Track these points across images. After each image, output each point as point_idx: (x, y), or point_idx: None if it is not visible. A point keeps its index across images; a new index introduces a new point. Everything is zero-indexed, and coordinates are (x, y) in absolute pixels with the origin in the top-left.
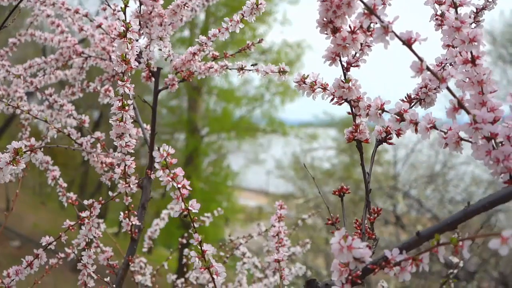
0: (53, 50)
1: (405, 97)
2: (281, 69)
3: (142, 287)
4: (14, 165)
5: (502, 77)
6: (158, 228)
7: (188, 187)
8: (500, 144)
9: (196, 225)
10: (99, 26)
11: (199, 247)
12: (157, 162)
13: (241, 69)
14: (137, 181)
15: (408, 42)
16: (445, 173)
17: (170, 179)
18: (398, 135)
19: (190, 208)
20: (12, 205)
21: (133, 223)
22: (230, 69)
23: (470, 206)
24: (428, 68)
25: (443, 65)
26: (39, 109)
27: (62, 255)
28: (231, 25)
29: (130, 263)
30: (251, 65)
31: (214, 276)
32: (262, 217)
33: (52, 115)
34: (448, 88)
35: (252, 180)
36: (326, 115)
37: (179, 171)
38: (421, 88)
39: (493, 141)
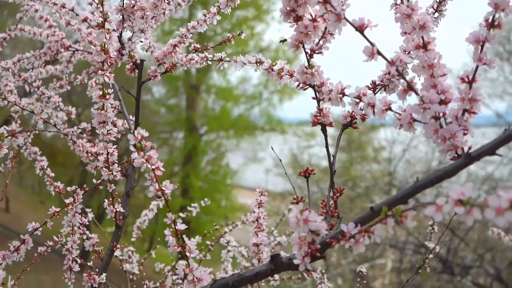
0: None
1: (370, 84)
2: (258, 60)
3: (129, 274)
4: None
5: (499, 74)
6: (147, 218)
7: (162, 169)
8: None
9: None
10: (85, 20)
11: (173, 226)
12: (132, 145)
13: (220, 60)
14: (120, 169)
15: (360, 28)
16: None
17: (145, 161)
18: (363, 119)
19: (163, 188)
20: (1, 196)
21: (117, 210)
22: (210, 60)
23: (419, 181)
24: (378, 52)
25: (406, 52)
26: (29, 102)
27: (50, 243)
28: (208, 17)
29: (114, 249)
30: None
31: (187, 254)
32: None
33: (41, 108)
34: (398, 71)
35: (250, 179)
36: None
37: (153, 154)
38: (385, 74)
39: (443, 120)
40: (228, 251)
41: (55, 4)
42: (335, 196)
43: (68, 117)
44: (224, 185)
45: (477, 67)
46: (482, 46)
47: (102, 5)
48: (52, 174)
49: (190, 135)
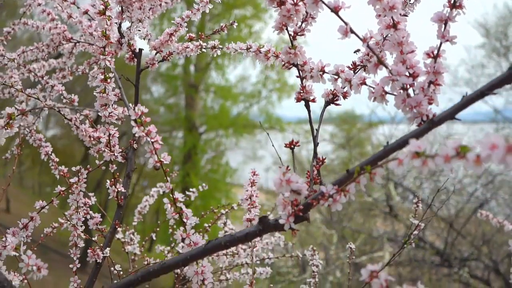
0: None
1: (351, 64)
2: (248, 46)
3: (131, 255)
4: (8, 128)
5: (496, 70)
6: (148, 204)
7: (160, 142)
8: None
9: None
10: (86, 12)
11: (171, 195)
12: (133, 120)
13: (214, 47)
14: (121, 150)
15: (335, 10)
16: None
17: (145, 134)
18: (344, 97)
19: (162, 159)
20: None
21: (119, 190)
22: (204, 48)
23: (388, 145)
24: (351, 31)
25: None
26: (33, 92)
27: (56, 224)
28: (201, 5)
29: (117, 227)
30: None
31: (184, 220)
32: (262, 213)
33: (45, 97)
34: (369, 47)
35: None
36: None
37: (153, 128)
38: (364, 55)
39: (411, 91)
40: (225, 232)
41: None
42: (317, 165)
43: (71, 104)
44: (223, 183)
45: (441, 43)
46: (445, 24)
47: None
48: (57, 159)
49: (189, 134)
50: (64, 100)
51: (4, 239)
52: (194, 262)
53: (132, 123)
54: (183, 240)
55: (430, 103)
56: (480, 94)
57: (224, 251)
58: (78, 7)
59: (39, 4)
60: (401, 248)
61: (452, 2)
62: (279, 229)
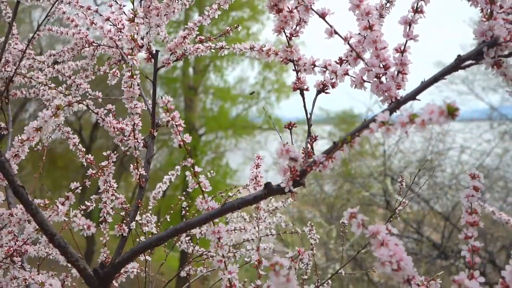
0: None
1: (338, 59)
2: (252, 46)
3: (149, 234)
4: (56, 117)
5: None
6: (161, 190)
7: (183, 125)
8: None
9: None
10: (107, 19)
11: (192, 169)
12: (161, 107)
13: (221, 48)
14: (143, 138)
15: (322, 15)
16: (432, 160)
17: (170, 119)
18: (333, 86)
19: (184, 139)
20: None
21: (141, 173)
22: (213, 49)
23: (365, 121)
24: (335, 32)
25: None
26: (61, 90)
27: (83, 206)
28: (211, 12)
29: (139, 205)
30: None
31: (203, 189)
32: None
33: (71, 94)
34: (349, 45)
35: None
36: (321, 111)
37: (177, 114)
38: (348, 52)
39: (384, 79)
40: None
41: (81, 7)
42: (311, 142)
43: (95, 100)
44: (224, 184)
45: (406, 41)
46: (410, 26)
47: (132, 3)
48: (83, 149)
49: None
50: (89, 97)
51: (55, 207)
52: (211, 222)
53: (160, 110)
54: (201, 204)
55: (398, 88)
56: (434, 80)
57: (233, 227)
58: (100, 15)
59: (64, 12)
60: (388, 221)
61: (415, 8)
62: (281, 192)
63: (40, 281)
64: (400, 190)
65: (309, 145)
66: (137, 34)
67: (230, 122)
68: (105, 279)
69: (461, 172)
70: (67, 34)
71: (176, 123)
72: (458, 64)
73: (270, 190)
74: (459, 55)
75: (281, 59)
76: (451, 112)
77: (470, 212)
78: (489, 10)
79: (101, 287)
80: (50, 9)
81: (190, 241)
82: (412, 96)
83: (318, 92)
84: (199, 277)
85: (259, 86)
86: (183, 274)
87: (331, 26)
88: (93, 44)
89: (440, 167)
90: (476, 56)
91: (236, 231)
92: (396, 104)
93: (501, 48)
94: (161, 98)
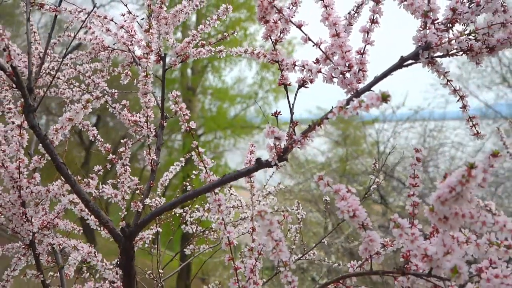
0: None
1: (315, 59)
2: (245, 50)
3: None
4: (85, 109)
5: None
6: (168, 178)
7: (189, 114)
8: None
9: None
10: (122, 27)
11: (197, 150)
12: (170, 100)
13: (220, 51)
14: (155, 127)
15: (299, 26)
16: (425, 156)
17: (178, 110)
18: (311, 82)
19: (190, 125)
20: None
21: (153, 158)
22: (213, 52)
23: (332, 108)
24: (309, 39)
25: None
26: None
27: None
28: (212, 21)
29: (151, 186)
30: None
31: (206, 165)
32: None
33: (91, 92)
34: (320, 49)
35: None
36: (319, 110)
37: (184, 105)
38: (321, 54)
39: (348, 75)
40: (231, 195)
41: (99, 16)
42: (293, 125)
43: (112, 97)
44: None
45: (365, 45)
46: (368, 33)
47: (149, 17)
48: (102, 139)
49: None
50: (107, 94)
51: (86, 180)
52: (213, 191)
53: (170, 102)
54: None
55: (359, 82)
56: (383, 75)
57: (231, 204)
58: (115, 23)
59: (83, 21)
60: (364, 198)
61: (372, 19)
62: (269, 165)
63: (73, 245)
64: (373, 170)
65: (291, 129)
66: (151, 42)
67: (228, 122)
68: (130, 236)
69: (455, 168)
70: (85, 40)
71: (183, 113)
72: (401, 63)
73: (260, 164)
74: (402, 56)
75: (269, 60)
76: (384, 98)
77: (413, 177)
78: (423, 22)
79: (127, 243)
80: (84, 21)
81: (194, 222)
82: (367, 88)
83: (299, 87)
84: (201, 254)
85: (257, 86)
86: (187, 252)
87: (306, 34)
88: (108, 48)
89: (435, 161)
90: (414, 56)
91: (234, 208)
92: (355, 94)
93: (433, 50)
94: (171, 93)
